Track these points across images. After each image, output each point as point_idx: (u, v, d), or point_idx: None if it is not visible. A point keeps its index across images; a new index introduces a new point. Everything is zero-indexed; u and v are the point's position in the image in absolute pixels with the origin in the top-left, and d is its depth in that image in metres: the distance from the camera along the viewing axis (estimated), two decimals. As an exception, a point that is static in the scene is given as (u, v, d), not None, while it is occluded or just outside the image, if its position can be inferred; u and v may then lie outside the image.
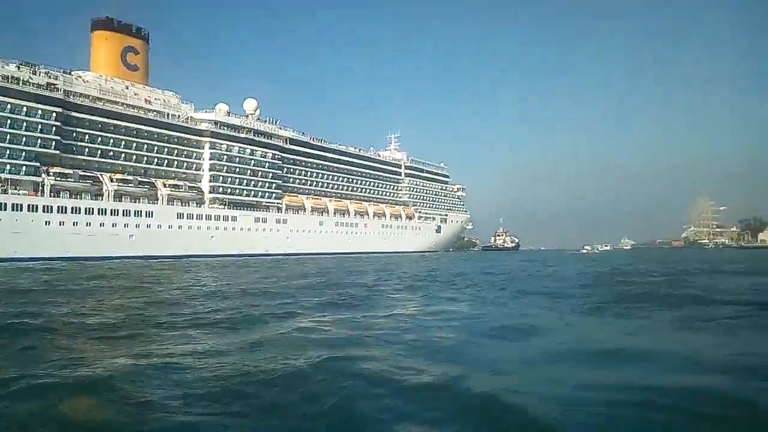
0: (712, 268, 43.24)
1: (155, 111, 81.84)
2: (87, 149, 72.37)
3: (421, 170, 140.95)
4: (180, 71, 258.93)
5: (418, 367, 8.52)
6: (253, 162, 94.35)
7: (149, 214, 77.29)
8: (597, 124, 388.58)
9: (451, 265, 57.25)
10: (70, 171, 69.12)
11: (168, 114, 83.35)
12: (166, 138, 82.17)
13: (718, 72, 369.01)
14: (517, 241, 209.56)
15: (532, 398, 6.66)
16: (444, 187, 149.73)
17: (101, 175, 73.05)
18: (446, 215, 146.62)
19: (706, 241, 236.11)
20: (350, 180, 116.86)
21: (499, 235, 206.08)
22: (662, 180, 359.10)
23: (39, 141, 66.34)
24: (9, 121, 63.94)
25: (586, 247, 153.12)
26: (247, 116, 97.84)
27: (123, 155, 76.35)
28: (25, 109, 65.04)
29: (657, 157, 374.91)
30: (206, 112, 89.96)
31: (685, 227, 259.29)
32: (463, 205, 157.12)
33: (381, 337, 11.39)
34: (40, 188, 66.26)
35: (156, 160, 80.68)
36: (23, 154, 64.91)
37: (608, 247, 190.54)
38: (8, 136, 63.75)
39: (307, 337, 11.24)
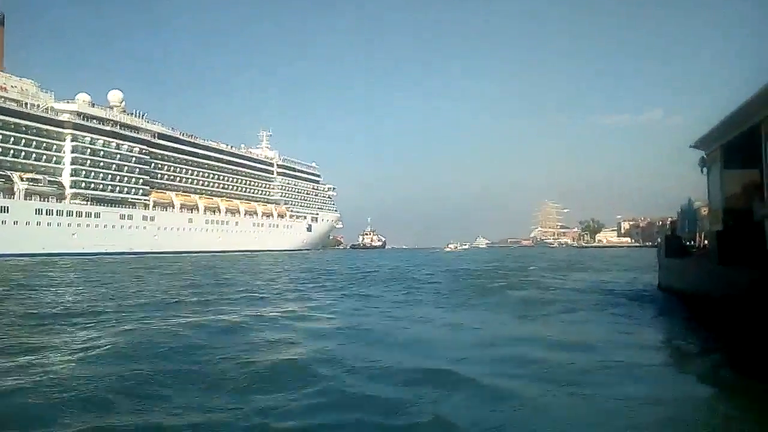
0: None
1: (11, 99, 77.08)
2: (-68, 139, 67.13)
3: (294, 169, 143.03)
4: (39, 57, 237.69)
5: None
6: (118, 156, 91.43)
7: (5, 210, 72.91)
8: (456, 133, 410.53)
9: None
10: None
11: (26, 103, 78.83)
12: (24, 128, 77.60)
13: (567, 86, 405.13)
14: (383, 239, 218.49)
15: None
16: (315, 187, 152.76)
17: (-52, 166, 68.11)
18: (317, 214, 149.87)
19: (551, 240, 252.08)
20: (222, 177, 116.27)
21: (366, 234, 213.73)
22: (513, 184, 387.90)
23: None
24: None
25: (450, 246, 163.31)
26: (111, 108, 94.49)
27: (-25, 146, 71.51)
28: None
29: (509, 163, 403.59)
30: (68, 102, 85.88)
31: (533, 227, 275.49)
32: (333, 204, 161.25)
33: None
34: None
35: (12, 151, 76.02)
36: None
37: (467, 246, 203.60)
38: None
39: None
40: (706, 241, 18.59)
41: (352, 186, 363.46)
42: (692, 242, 20.46)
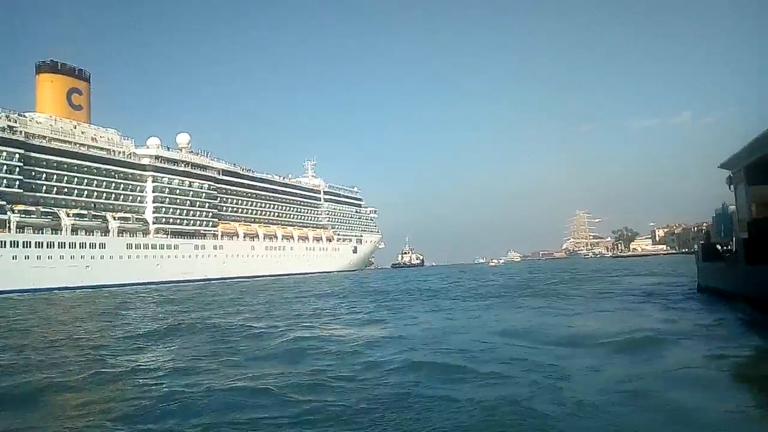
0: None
1: (102, 148, 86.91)
2: (45, 187, 76.91)
3: (338, 195, 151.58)
4: (108, 105, 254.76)
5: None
6: (191, 193, 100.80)
7: (102, 246, 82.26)
8: (487, 149, 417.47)
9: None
10: (33, 208, 73.56)
11: (113, 150, 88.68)
12: (114, 173, 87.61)
13: (596, 93, 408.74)
14: (422, 257, 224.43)
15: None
16: (358, 210, 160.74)
17: (59, 210, 77.65)
18: (361, 236, 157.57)
19: (585, 251, 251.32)
20: (276, 206, 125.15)
21: (405, 253, 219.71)
22: (543, 196, 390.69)
23: (4, 181, 70.81)
24: (-23, 164, 68.10)
25: (493, 261, 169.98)
26: (180, 149, 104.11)
27: (76, 191, 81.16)
28: (-8, 151, 69.46)
29: (541, 175, 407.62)
30: (147, 147, 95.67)
31: (565, 239, 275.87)
32: (375, 226, 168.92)
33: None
34: (7, 225, 70.32)
35: (105, 194, 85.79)
36: (-9, 194, 69.14)
37: (502, 261, 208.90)
38: (-24, 178, 67.87)
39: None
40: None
41: (387, 205, 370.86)
42: (728, 246, 22.33)
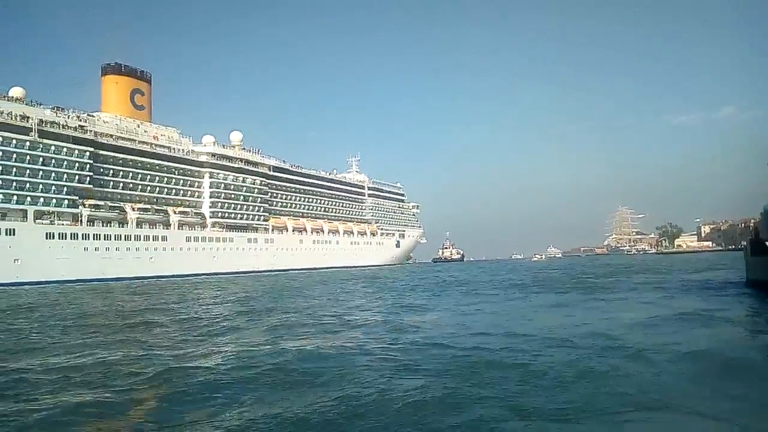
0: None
1: (163, 146, 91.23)
2: (112, 183, 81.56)
3: (382, 191, 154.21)
4: (165, 104, 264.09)
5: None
6: (244, 188, 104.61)
7: (164, 239, 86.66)
8: (526, 143, 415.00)
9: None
10: (102, 203, 78.30)
11: (173, 148, 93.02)
12: (174, 170, 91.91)
13: (634, 87, 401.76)
14: (462, 252, 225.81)
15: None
16: (401, 206, 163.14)
17: (124, 204, 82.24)
18: (404, 231, 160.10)
19: (627, 247, 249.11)
20: (323, 201, 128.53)
21: (446, 248, 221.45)
22: (585, 191, 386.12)
23: (77, 177, 75.61)
24: (53, 161, 72.87)
25: (536, 256, 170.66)
26: (233, 147, 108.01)
27: (140, 187, 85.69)
28: (65, 149, 74.18)
29: (579, 171, 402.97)
30: (204, 145, 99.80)
31: (607, 235, 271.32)
32: (417, 221, 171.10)
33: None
34: (79, 219, 75.06)
35: (166, 189, 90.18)
36: (64, 189, 73.95)
37: (542, 256, 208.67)
38: (53, 174, 72.59)
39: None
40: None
41: (427, 199, 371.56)
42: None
